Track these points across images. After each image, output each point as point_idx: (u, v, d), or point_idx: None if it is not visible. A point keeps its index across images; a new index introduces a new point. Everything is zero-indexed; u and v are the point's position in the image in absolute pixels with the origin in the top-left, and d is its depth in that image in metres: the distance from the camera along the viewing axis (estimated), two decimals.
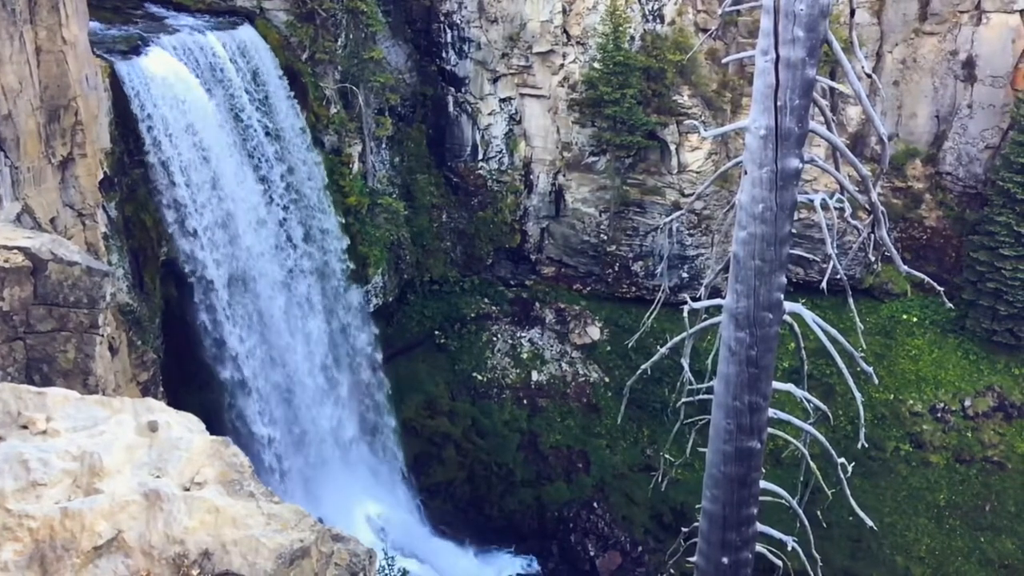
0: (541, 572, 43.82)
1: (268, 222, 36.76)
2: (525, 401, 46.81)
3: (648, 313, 17.09)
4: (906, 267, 14.11)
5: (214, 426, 9.83)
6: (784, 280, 13.70)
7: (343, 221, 40.95)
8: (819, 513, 18.79)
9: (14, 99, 22.74)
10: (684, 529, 17.60)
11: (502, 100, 46.53)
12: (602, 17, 43.56)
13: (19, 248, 14.10)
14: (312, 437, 39.71)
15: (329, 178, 39.61)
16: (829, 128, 13.64)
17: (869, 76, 13.95)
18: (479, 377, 47.01)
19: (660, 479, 21.20)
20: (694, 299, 15.77)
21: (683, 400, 16.95)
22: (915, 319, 46.87)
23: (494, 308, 48.97)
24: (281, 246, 37.74)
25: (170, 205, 31.83)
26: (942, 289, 15.54)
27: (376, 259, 42.82)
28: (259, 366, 36.34)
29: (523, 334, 48.45)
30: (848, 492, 15.92)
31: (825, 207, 13.94)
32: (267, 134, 36.20)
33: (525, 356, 47.73)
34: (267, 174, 36.61)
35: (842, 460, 15.69)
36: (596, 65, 43.93)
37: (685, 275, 47.72)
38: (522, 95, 46.40)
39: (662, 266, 47.16)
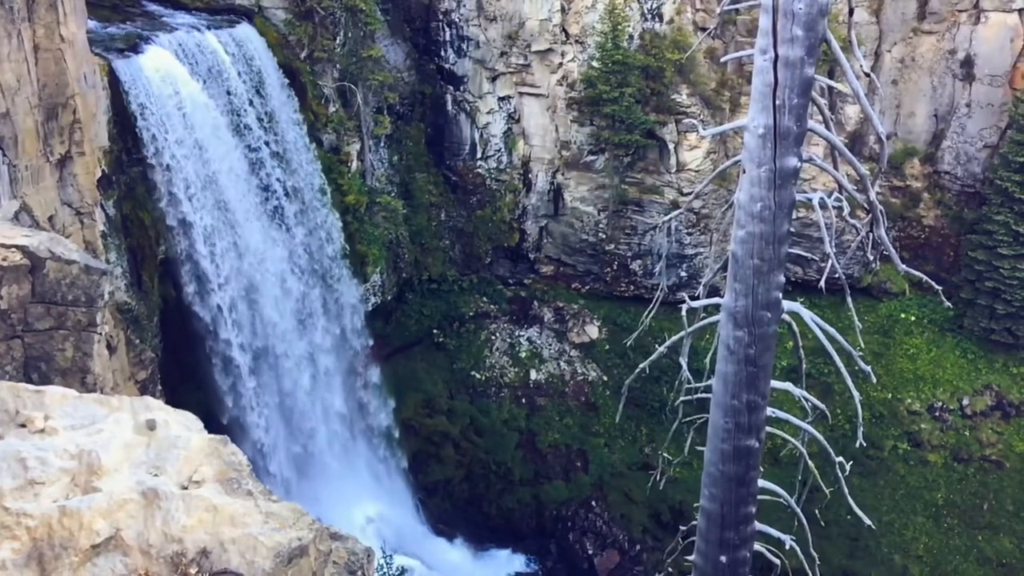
0: (539, 571, 43.83)
1: (291, 286, 36.78)
2: (523, 400, 46.81)
3: (646, 312, 17.10)
4: (904, 266, 14.12)
5: (212, 424, 9.82)
6: (782, 279, 13.70)
7: (362, 292, 40.94)
8: (817, 512, 18.80)
9: (12, 97, 22.71)
10: (682, 528, 17.61)
11: (501, 99, 46.52)
12: (601, 16, 43.55)
13: (17, 246, 14.08)
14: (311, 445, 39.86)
15: (327, 176, 39.61)
16: (828, 127, 13.64)
17: (868, 75, 13.94)
18: (477, 376, 47.00)
19: (658, 478, 21.21)
20: (692, 298, 15.77)
21: (681, 399, 16.96)
22: (913, 318, 46.90)
23: (492, 307, 48.96)
24: (302, 317, 37.78)
25: (190, 264, 31.89)
26: (940, 288, 15.56)
27: (375, 258, 42.83)
28: (284, 451, 36.57)
29: (521, 333, 48.45)
30: (846, 491, 15.93)
31: (824, 206, 13.94)
32: (275, 154, 36.14)
33: (523, 355, 47.73)
34: (291, 227, 36.74)
35: (840, 459, 15.70)
36: (595, 64, 43.92)
37: (683, 274, 47.73)
38: (521, 94, 46.39)
39: (660, 265, 47.16)
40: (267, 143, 35.64)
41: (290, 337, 36.87)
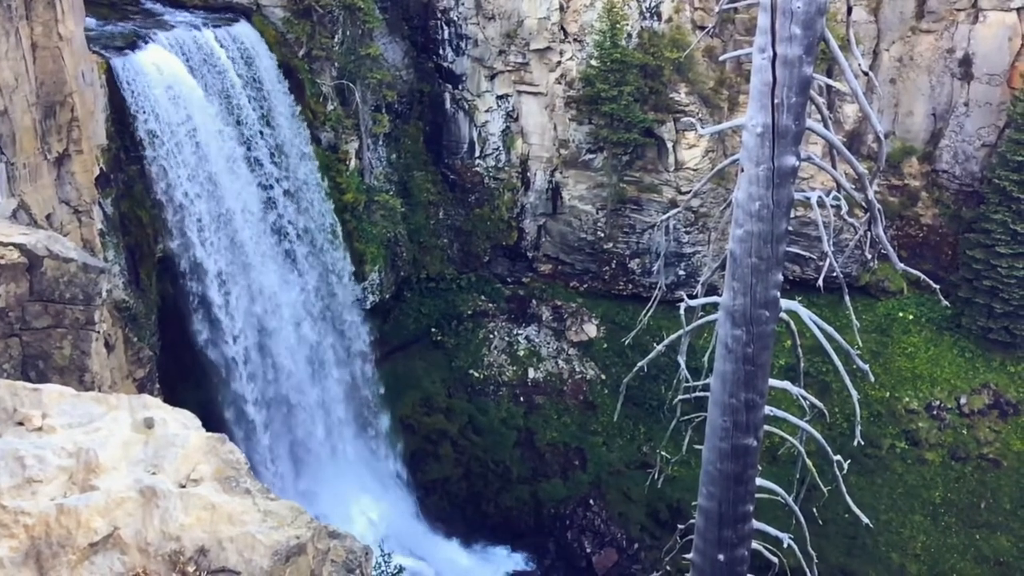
0: (537, 569, 43.83)
1: (305, 333, 36.44)
2: (522, 398, 46.82)
3: (645, 310, 17.05)
4: (902, 265, 14.10)
5: (210, 422, 9.83)
6: (780, 278, 13.69)
7: (374, 337, 40.56)
8: (815, 510, 18.81)
9: (10, 95, 22.70)
10: (680, 526, 17.59)
11: (499, 97, 46.50)
12: (599, 14, 43.53)
13: (15, 244, 14.06)
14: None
15: (325, 175, 39.55)
16: (826, 126, 13.63)
17: (866, 74, 13.90)
18: (476, 374, 47.00)
19: (656, 476, 21.18)
20: (691, 296, 15.76)
21: (679, 397, 16.95)
22: (911, 317, 46.93)
23: (491, 305, 48.95)
24: (315, 367, 37.56)
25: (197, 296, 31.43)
26: (938, 287, 15.53)
27: (373, 256, 42.82)
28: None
29: (520, 331, 48.45)
30: (844, 489, 15.91)
31: (822, 205, 13.92)
32: (285, 192, 35.82)
33: (522, 353, 47.73)
34: (304, 275, 36.38)
35: (838, 457, 15.68)
36: (593, 62, 43.90)
37: (682, 272, 47.74)
38: (519, 92, 46.37)
39: (659, 263, 47.15)
40: (278, 180, 35.20)
41: (304, 387, 36.74)
